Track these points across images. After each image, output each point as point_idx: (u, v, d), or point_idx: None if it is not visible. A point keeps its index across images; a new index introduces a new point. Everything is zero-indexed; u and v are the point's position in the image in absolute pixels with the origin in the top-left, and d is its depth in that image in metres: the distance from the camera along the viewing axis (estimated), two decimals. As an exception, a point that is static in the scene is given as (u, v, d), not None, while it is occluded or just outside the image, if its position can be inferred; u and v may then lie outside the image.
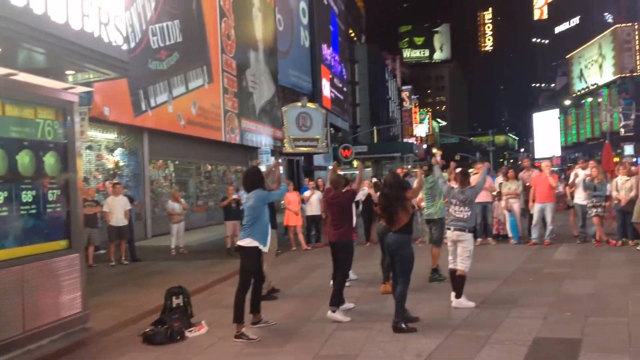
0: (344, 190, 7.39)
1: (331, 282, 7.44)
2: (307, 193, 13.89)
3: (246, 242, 6.39)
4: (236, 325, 6.22)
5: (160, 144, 19.12)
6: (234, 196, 12.93)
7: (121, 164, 17.43)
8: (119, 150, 17.41)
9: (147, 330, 6.36)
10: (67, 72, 7.99)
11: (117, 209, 12.26)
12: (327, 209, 8.58)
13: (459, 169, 7.94)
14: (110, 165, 16.92)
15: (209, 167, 23.90)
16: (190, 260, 12.50)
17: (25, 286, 5.76)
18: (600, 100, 55.25)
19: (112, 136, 17.10)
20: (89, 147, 15.79)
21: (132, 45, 16.24)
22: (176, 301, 6.82)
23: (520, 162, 14.62)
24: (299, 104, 32.83)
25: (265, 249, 6.54)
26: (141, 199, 17.75)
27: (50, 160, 6.20)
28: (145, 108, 17.43)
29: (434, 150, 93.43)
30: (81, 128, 10.76)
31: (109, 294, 8.80)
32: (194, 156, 22.20)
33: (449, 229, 7.38)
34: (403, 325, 6.11)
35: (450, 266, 7.28)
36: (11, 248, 5.64)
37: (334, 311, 6.76)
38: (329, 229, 7.43)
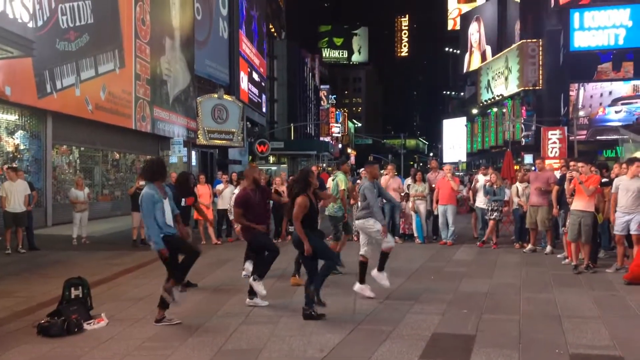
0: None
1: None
2: (219, 187, 13.73)
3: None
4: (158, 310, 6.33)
5: (65, 128, 18.26)
6: (142, 183, 12.53)
7: (22, 147, 16.50)
8: (19, 133, 16.47)
9: (43, 321, 6.08)
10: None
11: (14, 194, 11.60)
12: None
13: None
14: (10, 148, 15.97)
15: (117, 155, 23.05)
16: (92, 251, 12.02)
17: None
18: (504, 110, 58.13)
19: (12, 117, 16.15)
20: (-14, 128, 14.83)
21: (40, 23, 15.41)
22: (75, 292, 6.54)
23: (428, 165, 15.37)
24: (215, 95, 32.40)
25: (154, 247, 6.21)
26: (42, 185, 16.89)
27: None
28: (50, 90, 16.59)
29: (349, 151, 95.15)
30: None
31: (3, 283, 8.32)
32: (102, 143, 21.35)
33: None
34: (313, 313, 6.41)
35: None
36: None
37: (254, 279, 7.00)
38: None
